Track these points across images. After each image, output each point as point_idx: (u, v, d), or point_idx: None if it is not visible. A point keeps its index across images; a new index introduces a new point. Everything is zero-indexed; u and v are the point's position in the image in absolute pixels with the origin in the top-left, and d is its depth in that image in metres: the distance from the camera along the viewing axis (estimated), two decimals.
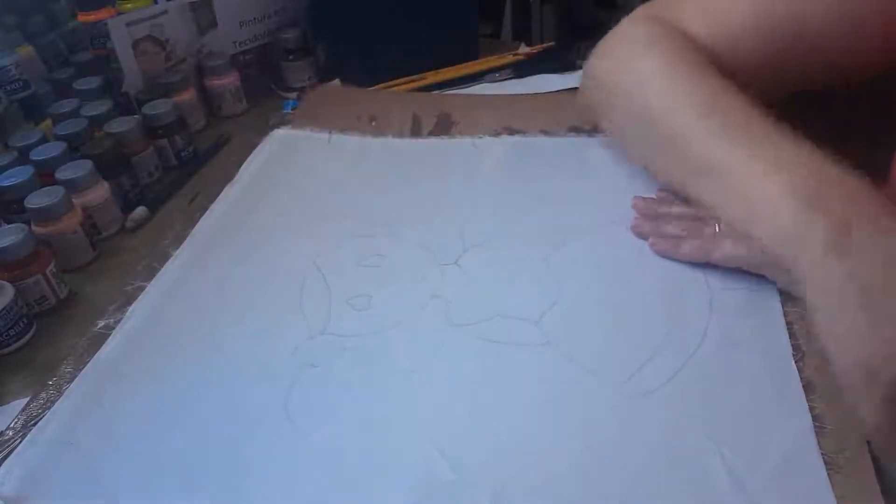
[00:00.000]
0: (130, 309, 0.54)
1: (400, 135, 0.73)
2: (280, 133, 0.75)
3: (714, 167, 0.45)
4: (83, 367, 0.49)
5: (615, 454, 0.40)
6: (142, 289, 0.56)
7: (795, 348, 0.44)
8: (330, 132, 0.74)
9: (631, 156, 0.60)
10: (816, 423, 0.40)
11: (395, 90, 0.83)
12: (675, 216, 0.55)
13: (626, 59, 0.57)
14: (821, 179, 0.40)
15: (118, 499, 0.41)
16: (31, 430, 0.45)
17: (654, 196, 0.58)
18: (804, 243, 0.39)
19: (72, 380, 0.48)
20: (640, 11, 0.60)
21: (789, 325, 0.46)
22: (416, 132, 0.73)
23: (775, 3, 0.51)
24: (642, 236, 0.55)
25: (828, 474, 0.37)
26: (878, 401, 0.35)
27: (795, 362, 0.43)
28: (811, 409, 0.41)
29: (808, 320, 0.41)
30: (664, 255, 0.53)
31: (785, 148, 0.43)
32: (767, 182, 0.41)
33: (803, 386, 0.42)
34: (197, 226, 0.62)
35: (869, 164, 0.39)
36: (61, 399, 0.47)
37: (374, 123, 0.75)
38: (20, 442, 0.44)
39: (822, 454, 0.38)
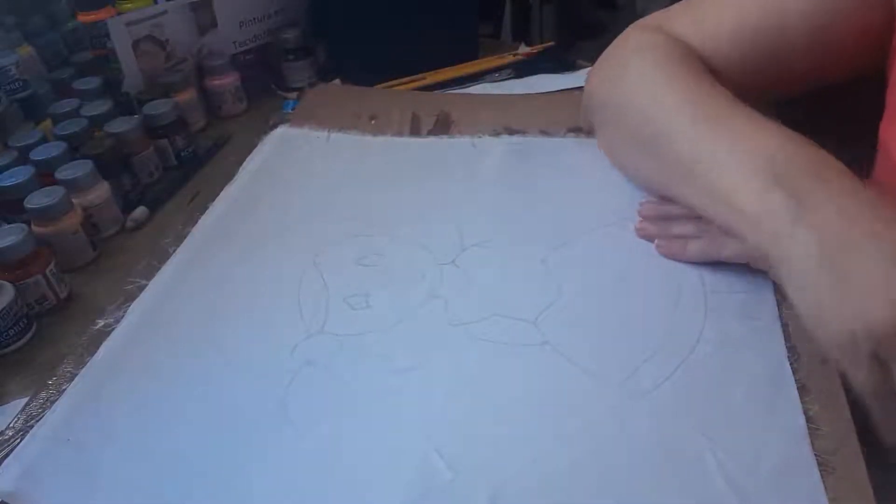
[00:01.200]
0: (130, 307, 0.54)
1: (399, 134, 0.73)
2: (279, 132, 0.75)
3: (697, 169, 0.47)
4: (83, 367, 0.49)
5: (612, 454, 0.40)
6: (142, 287, 0.56)
7: (791, 350, 0.44)
8: (329, 131, 0.74)
9: (622, 166, 0.61)
10: (811, 425, 0.40)
11: (394, 89, 0.83)
12: (682, 216, 0.55)
13: (618, 69, 0.59)
14: (788, 158, 0.42)
15: (115, 497, 0.41)
16: (30, 429, 0.45)
17: (657, 198, 0.58)
18: (772, 221, 0.40)
19: (72, 379, 0.48)
20: (633, 26, 0.62)
21: (785, 326, 0.46)
22: (415, 131, 0.73)
23: (755, 15, 0.54)
24: (648, 238, 0.55)
25: (821, 476, 0.37)
26: (864, 364, 0.36)
27: (791, 364, 0.44)
28: (805, 410, 0.41)
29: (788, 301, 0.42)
30: (672, 257, 0.53)
31: (761, 139, 0.44)
32: (740, 174, 0.44)
33: (798, 388, 0.42)
34: (196, 225, 0.63)
35: (846, 157, 0.40)
36: (60, 397, 0.47)
37: (373, 122, 0.75)
38: (20, 442, 0.44)
39: (815, 455, 0.38)
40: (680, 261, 0.52)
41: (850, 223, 0.38)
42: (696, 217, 0.53)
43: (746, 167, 0.44)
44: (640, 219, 0.56)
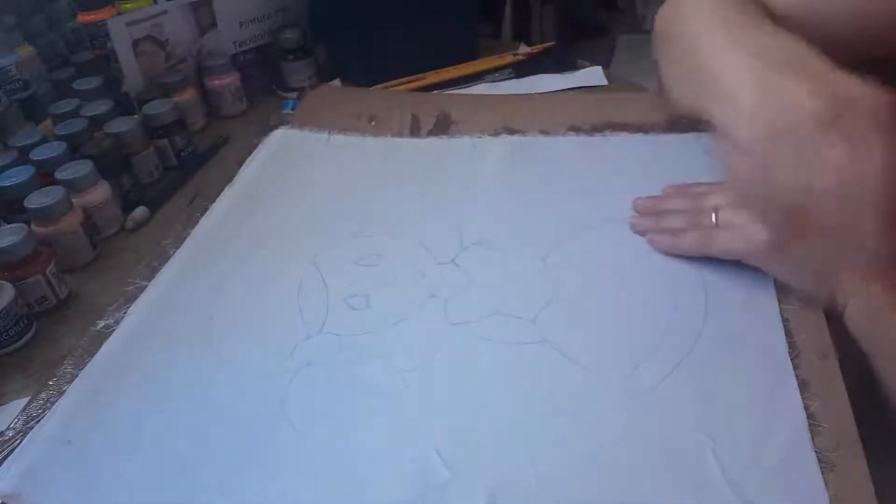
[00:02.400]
0: (129, 308, 0.54)
1: (399, 134, 0.73)
2: (279, 133, 0.75)
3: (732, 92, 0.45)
4: (83, 368, 0.49)
5: (611, 452, 0.40)
6: (141, 289, 0.56)
7: (791, 346, 0.44)
8: (329, 132, 0.74)
9: (677, 97, 0.57)
10: (811, 422, 0.40)
11: (394, 90, 0.83)
12: (674, 211, 0.55)
13: (678, 5, 0.57)
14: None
15: (115, 498, 0.41)
16: (30, 429, 0.45)
17: (655, 195, 0.59)
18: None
19: (72, 380, 0.48)
20: None
21: (785, 322, 0.46)
22: (415, 132, 0.73)
23: None
24: (641, 233, 0.55)
25: (822, 472, 0.37)
26: None
27: (791, 360, 0.43)
28: (806, 407, 0.41)
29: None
30: (663, 251, 0.53)
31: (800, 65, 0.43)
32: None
33: (798, 384, 0.42)
34: (196, 225, 0.63)
35: None
36: (60, 397, 0.47)
37: (373, 123, 0.75)
38: (20, 442, 0.44)
39: (816, 452, 0.38)
40: (671, 255, 0.52)
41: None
42: (689, 210, 0.54)
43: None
44: (634, 213, 0.56)
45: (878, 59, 0.52)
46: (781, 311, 0.47)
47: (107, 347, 0.51)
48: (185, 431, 0.44)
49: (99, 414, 0.46)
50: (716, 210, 0.51)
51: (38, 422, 0.45)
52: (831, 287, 0.44)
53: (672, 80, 0.58)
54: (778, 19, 0.53)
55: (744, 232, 0.48)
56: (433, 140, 0.72)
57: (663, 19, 0.60)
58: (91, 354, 0.50)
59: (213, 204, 0.65)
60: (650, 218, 0.56)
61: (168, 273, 0.57)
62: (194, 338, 0.51)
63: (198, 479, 0.42)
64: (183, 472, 0.42)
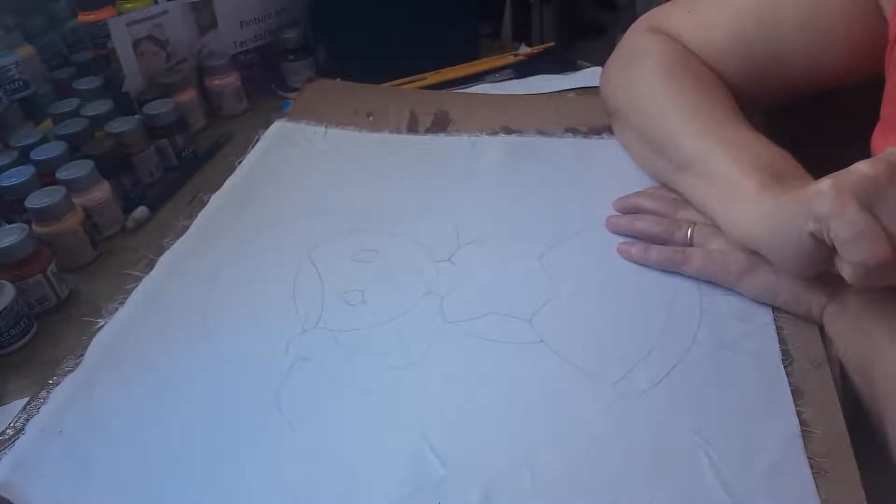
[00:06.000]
0: (125, 299, 0.54)
1: (397, 131, 0.73)
2: (277, 125, 0.75)
3: (695, 162, 0.52)
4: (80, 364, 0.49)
5: (605, 453, 0.41)
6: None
7: (784, 353, 0.45)
8: (326, 125, 0.74)
9: (635, 158, 0.64)
10: (804, 428, 0.40)
11: (393, 87, 0.83)
12: (651, 211, 0.56)
13: (625, 75, 0.62)
14: (774, 171, 0.48)
15: (108, 487, 0.41)
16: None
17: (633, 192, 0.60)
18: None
19: None
20: (638, 24, 0.65)
21: (779, 329, 0.46)
22: (413, 129, 0.73)
23: (749, 23, 0.56)
24: (614, 231, 0.56)
25: (814, 478, 0.38)
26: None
27: (784, 367, 0.44)
28: (798, 413, 0.41)
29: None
30: (631, 259, 0.53)
31: (753, 149, 0.50)
32: (732, 167, 0.49)
33: (791, 391, 0.42)
34: (194, 219, 0.63)
35: (837, 163, 0.41)
36: (54, 389, 0.47)
37: (370, 119, 0.75)
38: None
39: (808, 458, 0.39)
40: (640, 265, 0.53)
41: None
42: (664, 215, 0.55)
43: (733, 165, 0.49)
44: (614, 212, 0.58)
45: (834, 88, 0.57)
46: (775, 319, 0.47)
47: (100, 338, 0.51)
48: (178, 424, 0.45)
49: (92, 405, 0.46)
50: (692, 225, 0.52)
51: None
52: (807, 303, 0.46)
53: (634, 147, 0.64)
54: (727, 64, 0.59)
55: (722, 258, 0.49)
56: (431, 137, 0.72)
57: (613, 93, 0.65)
58: None
59: (211, 197, 0.65)
60: (626, 217, 0.56)
61: (163, 264, 0.57)
62: (189, 330, 0.51)
63: (190, 472, 0.42)
64: (175, 466, 0.42)
